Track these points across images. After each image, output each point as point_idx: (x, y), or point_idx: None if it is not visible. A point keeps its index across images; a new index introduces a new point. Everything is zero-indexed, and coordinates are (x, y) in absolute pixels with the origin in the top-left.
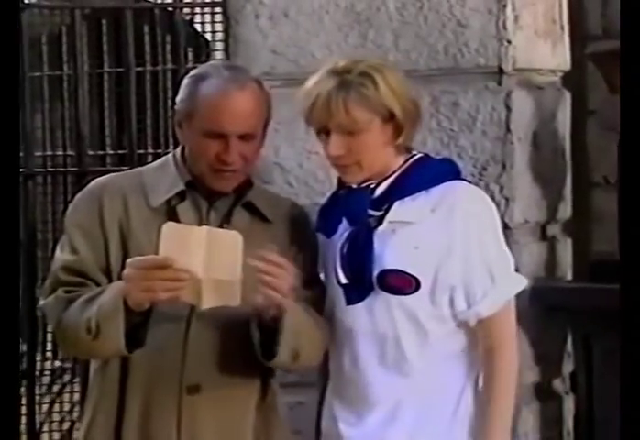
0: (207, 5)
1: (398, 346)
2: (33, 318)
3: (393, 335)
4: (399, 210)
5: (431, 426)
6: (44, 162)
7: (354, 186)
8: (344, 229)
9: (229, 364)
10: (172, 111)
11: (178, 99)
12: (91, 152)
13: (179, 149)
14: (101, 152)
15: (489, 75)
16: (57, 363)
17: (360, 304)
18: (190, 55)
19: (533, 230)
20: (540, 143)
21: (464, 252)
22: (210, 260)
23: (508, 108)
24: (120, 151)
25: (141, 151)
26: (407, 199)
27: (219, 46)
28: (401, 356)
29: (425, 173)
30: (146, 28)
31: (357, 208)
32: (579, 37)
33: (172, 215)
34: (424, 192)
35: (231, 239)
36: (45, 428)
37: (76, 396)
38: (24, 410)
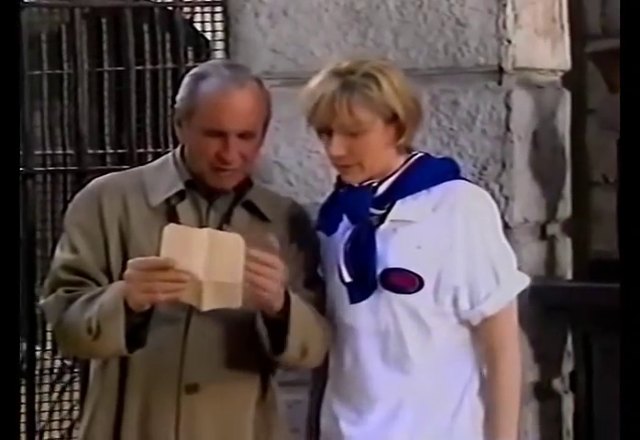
0: (207, 3)
1: (400, 342)
2: (33, 317)
3: (396, 331)
4: (400, 209)
5: (432, 425)
6: (44, 161)
7: (355, 185)
8: (345, 227)
9: (228, 363)
10: (172, 110)
11: (178, 98)
12: (90, 151)
13: (178, 149)
14: (100, 151)
15: (488, 74)
16: (57, 362)
17: (363, 302)
18: (190, 54)
19: (532, 229)
20: (540, 142)
21: (467, 251)
22: (211, 263)
23: (508, 107)
24: (120, 150)
25: (141, 150)
26: (408, 198)
27: (219, 45)
28: (403, 353)
29: (426, 172)
30: (146, 27)
31: (359, 206)
32: (578, 36)
33: (172, 215)
34: (425, 191)
35: (233, 242)
36: (45, 428)
37: (76, 395)
38: (24, 409)
